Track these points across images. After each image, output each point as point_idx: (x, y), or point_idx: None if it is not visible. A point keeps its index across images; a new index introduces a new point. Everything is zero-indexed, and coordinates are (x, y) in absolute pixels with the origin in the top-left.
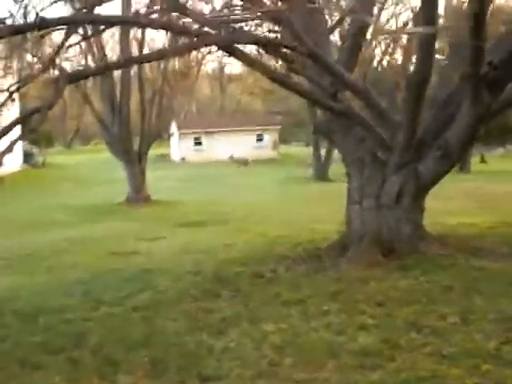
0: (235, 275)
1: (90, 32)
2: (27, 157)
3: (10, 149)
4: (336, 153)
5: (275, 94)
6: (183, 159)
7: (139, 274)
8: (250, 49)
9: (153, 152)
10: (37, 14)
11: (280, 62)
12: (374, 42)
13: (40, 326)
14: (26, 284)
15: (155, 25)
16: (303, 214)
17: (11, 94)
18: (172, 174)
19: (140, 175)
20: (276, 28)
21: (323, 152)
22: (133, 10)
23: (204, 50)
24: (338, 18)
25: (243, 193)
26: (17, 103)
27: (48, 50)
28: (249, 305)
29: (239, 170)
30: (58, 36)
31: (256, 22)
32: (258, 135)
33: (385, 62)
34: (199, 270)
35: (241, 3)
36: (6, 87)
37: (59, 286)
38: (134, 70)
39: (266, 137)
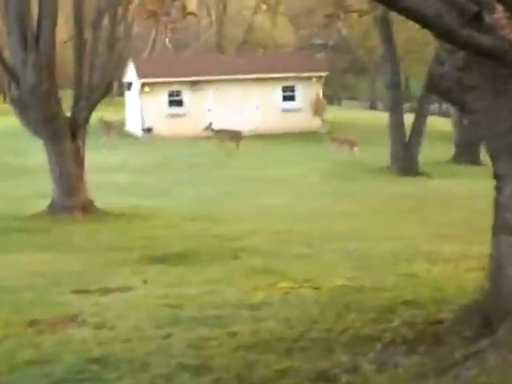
0: (276, 379)
1: None
2: None
3: None
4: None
5: (315, 15)
6: (149, 131)
7: (81, 371)
8: None
9: (96, 119)
10: None
11: None
12: None
13: None
14: None
15: None
16: (386, 243)
17: None
18: (130, 160)
19: (74, 162)
20: None
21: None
22: None
23: None
24: None
25: (259, 196)
26: None
27: None
28: None
29: (224, 158)
30: None
31: None
32: (286, 89)
33: None
34: (200, 364)
35: None
36: None
37: None
38: None
39: (301, 91)
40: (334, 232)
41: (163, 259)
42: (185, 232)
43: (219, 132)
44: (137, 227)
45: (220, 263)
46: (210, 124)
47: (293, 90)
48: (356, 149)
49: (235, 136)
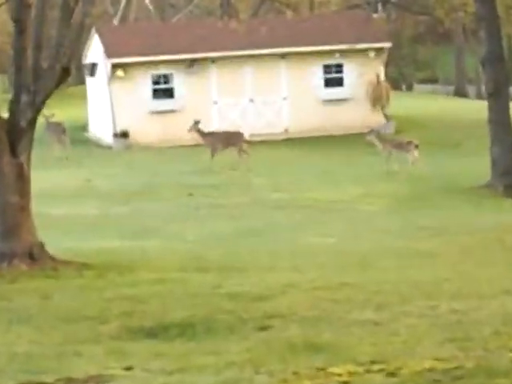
0: None
1: None
2: None
3: None
4: None
5: None
6: (123, 136)
7: None
8: None
9: (43, 119)
10: None
11: None
12: None
13: None
14: None
15: None
16: (493, 302)
17: None
18: (98, 181)
19: (15, 188)
20: None
21: None
22: None
23: None
24: None
25: (295, 233)
26: None
27: None
28: None
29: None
30: None
31: None
32: (330, 68)
33: None
34: None
35: None
36: None
37: None
38: None
39: (352, 72)
40: (413, 285)
41: (155, 332)
42: (186, 290)
43: (209, 136)
44: (112, 284)
45: (241, 337)
46: (196, 123)
47: (340, 71)
48: (415, 155)
49: (233, 140)
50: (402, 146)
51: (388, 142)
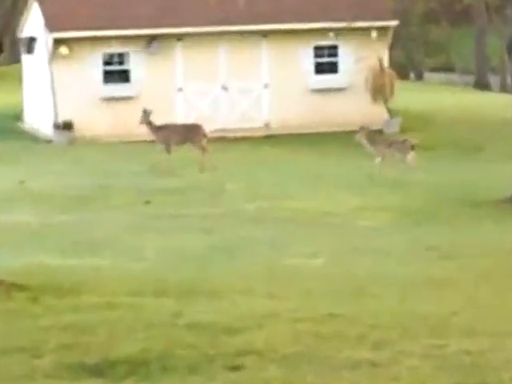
0: None
1: None
2: None
3: None
4: None
5: None
6: (66, 128)
7: None
8: None
9: None
10: None
11: None
12: None
13: None
14: None
15: None
16: None
17: None
18: (33, 182)
19: None
20: None
21: None
22: None
23: None
24: None
25: (276, 251)
26: None
27: None
28: None
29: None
30: None
31: None
32: (322, 51)
33: None
34: None
35: None
36: None
37: None
38: None
39: (349, 56)
40: (417, 319)
41: (100, 370)
42: (140, 318)
43: (162, 129)
44: (49, 309)
45: (206, 378)
46: (147, 113)
47: (334, 54)
48: (411, 157)
49: (190, 135)
50: (396, 147)
51: (380, 142)
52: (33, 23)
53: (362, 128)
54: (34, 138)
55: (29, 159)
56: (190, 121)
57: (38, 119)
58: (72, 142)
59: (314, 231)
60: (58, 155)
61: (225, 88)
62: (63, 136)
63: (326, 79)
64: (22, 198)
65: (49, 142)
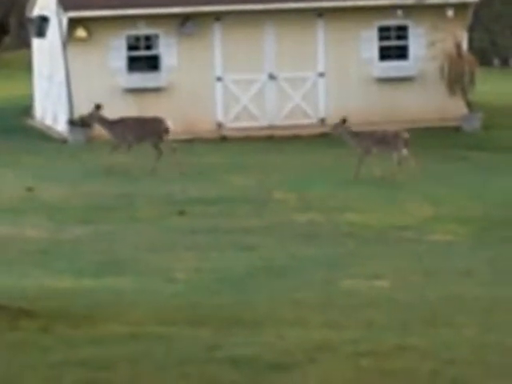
0: None
1: None
2: None
3: None
4: None
5: None
6: (83, 124)
7: None
8: None
9: None
10: None
11: None
12: None
13: None
14: None
15: None
16: None
17: None
18: (45, 188)
19: None
20: None
21: None
22: None
23: None
24: None
25: (333, 271)
26: None
27: None
28: None
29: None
30: None
31: None
32: (388, 32)
33: None
34: None
35: None
36: None
37: None
38: None
39: (420, 39)
40: (503, 352)
41: None
42: (171, 352)
43: (116, 125)
44: (62, 340)
45: None
46: (97, 108)
47: (403, 37)
48: (405, 152)
49: (148, 131)
50: (385, 142)
51: (364, 136)
52: (44, 1)
53: (342, 120)
54: (45, 137)
55: (39, 162)
56: (230, 116)
57: (51, 114)
58: (90, 140)
59: (378, 248)
60: (74, 157)
61: (272, 77)
62: (80, 134)
63: (393, 66)
64: (31, 208)
65: (63, 141)
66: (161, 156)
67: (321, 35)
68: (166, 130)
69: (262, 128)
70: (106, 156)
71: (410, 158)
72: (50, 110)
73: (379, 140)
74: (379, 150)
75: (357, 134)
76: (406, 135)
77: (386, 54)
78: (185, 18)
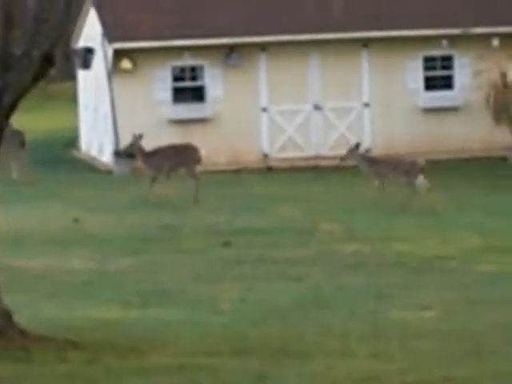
0: None
1: None
2: None
3: None
4: None
5: None
6: (129, 155)
7: None
8: None
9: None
10: None
11: None
12: None
13: None
14: None
15: None
16: None
17: None
18: (90, 222)
19: None
20: None
21: None
22: None
23: None
24: None
25: (380, 303)
26: None
27: None
28: None
29: None
30: None
31: None
32: (433, 62)
33: None
34: None
35: None
36: None
37: None
38: None
39: (465, 68)
40: None
41: None
42: (218, 383)
43: (152, 155)
44: (109, 372)
45: None
46: (136, 139)
47: (448, 67)
48: (422, 181)
49: (187, 158)
50: (402, 169)
51: (380, 162)
52: (89, 32)
53: (355, 145)
54: (90, 168)
55: (84, 193)
56: (276, 146)
57: (96, 146)
58: (135, 172)
59: (424, 278)
60: (119, 188)
61: (317, 108)
62: (125, 165)
63: (439, 96)
64: (77, 240)
65: (108, 172)
66: (200, 184)
67: (366, 65)
68: (199, 159)
69: (307, 158)
70: (145, 188)
71: (425, 186)
72: (96, 141)
73: (395, 167)
74: (394, 177)
75: (372, 160)
76: (422, 163)
77: (431, 84)
78: (230, 49)
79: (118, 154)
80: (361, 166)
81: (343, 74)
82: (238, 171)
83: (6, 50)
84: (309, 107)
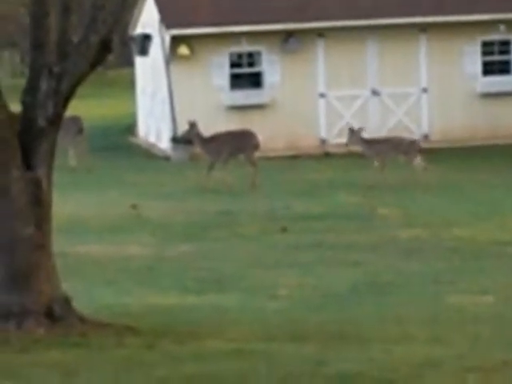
0: None
1: None
2: None
3: None
4: None
5: None
6: (187, 142)
7: None
8: None
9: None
10: None
11: None
12: None
13: None
14: None
15: None
16: None
17: None
18: (149, 208)
19: (29, 217)
20: None
21: None
22: None
23: None
24: None
25: (440, 288)
26: None
27: None
28: None
29: None
30: None
31: None
32: (492, 47)
33: None
34: None
35: None
36: None
37: None
38: None
39: None
40: None
41: None
42: (276, 368)
43: (211, 141)
44: (167, 357)
45: None
46: (192, 127)
47: (507, 51)
48: (419, 162)
49: (241, 145)
50: (402, 148)
51: (379, 143)
52: (147, 18)
53: (352, 130)
54: (148, 154)
55: (142, 179)
56: (334, 132)
57: (154, 132)
58: (192, 158)
59: (483, 264)
60: (176, 174)
61: (375, 93)
62: (182, 151)
63: (497, 81)
64: (135, 226)
65: (166, 158)
66: (257, 170)
67: (423, 50)
68: (257, 145)
69: None
70: (203, 174)
71: (423, 166)
72: (154, 127)
73: (394, 147)
74: (394, 157)
75: (372, 142)
76: (421, 144)
77: (489, 68)
78: (288, 35)
79: (175, 140)
80: (362, 148)
81: (401, 60)
82: (295, 157)
83: (64, 37)
84: (366, 93)
